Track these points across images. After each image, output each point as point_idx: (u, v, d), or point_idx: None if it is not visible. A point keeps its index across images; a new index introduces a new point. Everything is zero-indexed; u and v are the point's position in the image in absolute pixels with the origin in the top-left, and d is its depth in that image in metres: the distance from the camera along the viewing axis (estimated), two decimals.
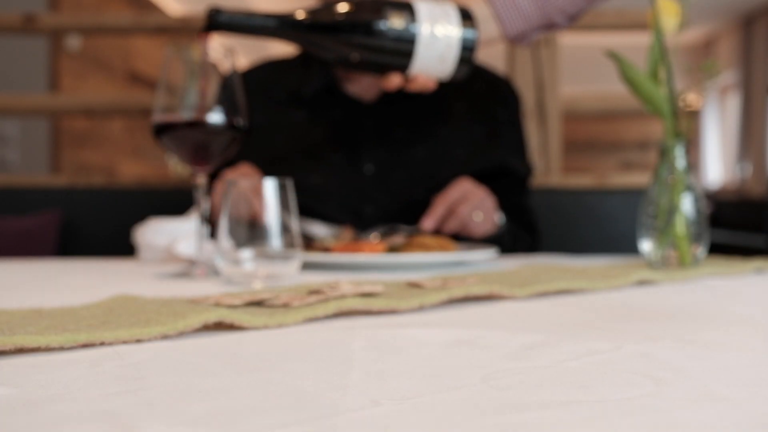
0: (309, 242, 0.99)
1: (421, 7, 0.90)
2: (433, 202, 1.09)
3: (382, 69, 0.93)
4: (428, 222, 1.05)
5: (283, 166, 1.20)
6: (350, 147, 1.25)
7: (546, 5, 0.99)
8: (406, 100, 1.26)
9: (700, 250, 0.86)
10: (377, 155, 1.24)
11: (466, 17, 0.92)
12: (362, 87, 1.28)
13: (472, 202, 1.08)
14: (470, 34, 0.92)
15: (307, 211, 1.11)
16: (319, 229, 1.05)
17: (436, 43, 0.90)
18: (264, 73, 1.34)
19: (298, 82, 1.29)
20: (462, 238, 1.09)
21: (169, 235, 0.99)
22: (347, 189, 1.21)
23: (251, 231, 0.73)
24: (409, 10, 0.89)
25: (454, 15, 0.91)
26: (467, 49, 0.92)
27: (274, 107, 1.28)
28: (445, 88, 1.29)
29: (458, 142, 1.26)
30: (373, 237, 1.01)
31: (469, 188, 1.10)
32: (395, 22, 0.87)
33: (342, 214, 1.18)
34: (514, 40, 1.02)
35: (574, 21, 1.04)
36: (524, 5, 0.98)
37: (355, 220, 1.17)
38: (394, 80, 0.95)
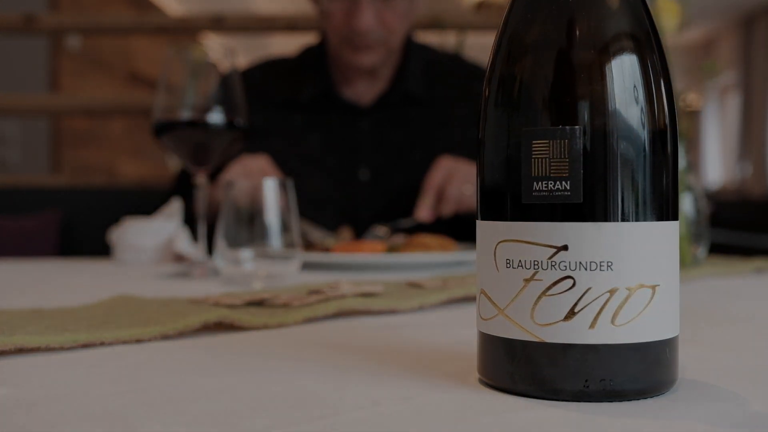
0: (309, 243, 0.98)
1: None
2: (421, 190, 1.07)
3: None
4: (422, 211, 1.04)
5: (279, 171, 1.19)
6: (346, 152, 1.24)
7: None
8: (403, 104, 1.25)
9: (700, 250, 0.86)
10: (373, 160, 1.23)
11: None
12: (359, 91, 1.27)
13: (458, 178, 1.05)
14: None
15: (303, 216, 1.10)
16: (317, 234, 1.04)
17: None
18: (261, 74, 1.32)
19: (295, 86, 1.28)
20: (464, 218, 1.08)
21: (155, 235, 0.97)
22: (343, 195, 1.20)
23: (251, 230, 0.73)
24: None
25: None
26: None
27: (271, 110, 1.26)
28: (445, 91, 1.29)
29: (458, 144, 1.25)
30: (379, 230, 1.01)
31: (451, 165, 1.08)
32: None
33: (338, 220, 1.17)
34: None
35: None
36: None
37: (351, 225, 1.16)
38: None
